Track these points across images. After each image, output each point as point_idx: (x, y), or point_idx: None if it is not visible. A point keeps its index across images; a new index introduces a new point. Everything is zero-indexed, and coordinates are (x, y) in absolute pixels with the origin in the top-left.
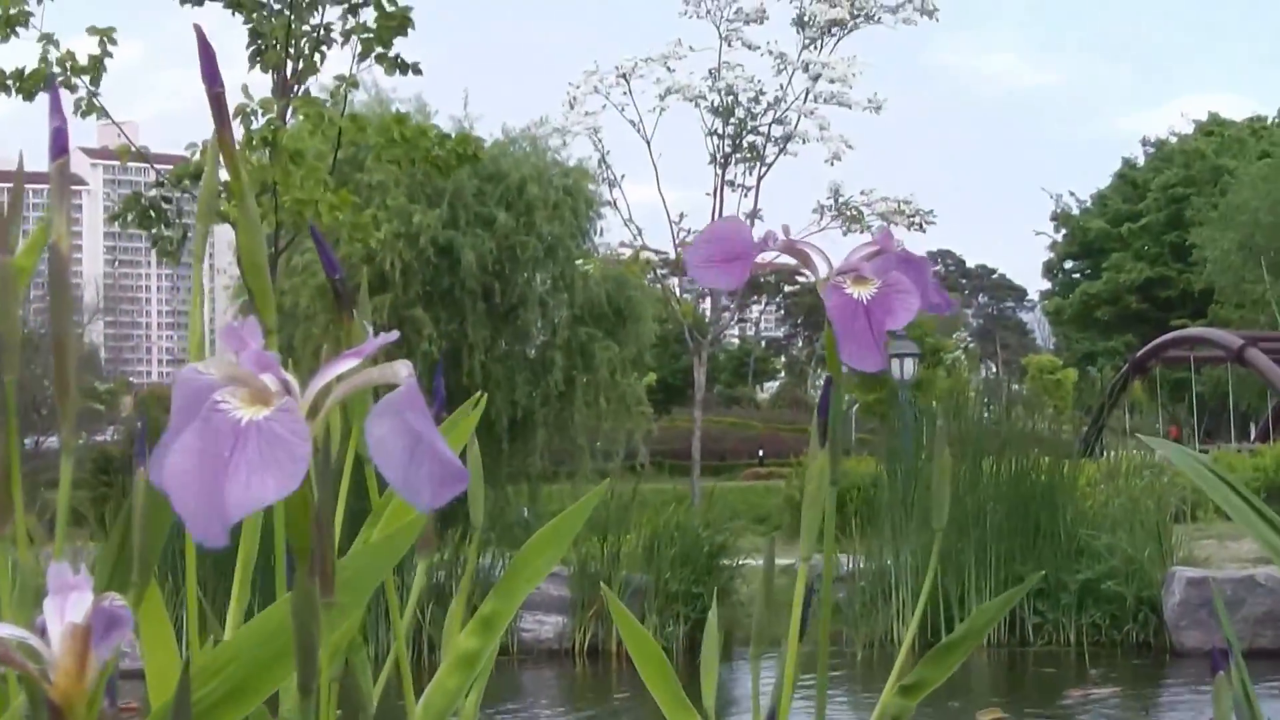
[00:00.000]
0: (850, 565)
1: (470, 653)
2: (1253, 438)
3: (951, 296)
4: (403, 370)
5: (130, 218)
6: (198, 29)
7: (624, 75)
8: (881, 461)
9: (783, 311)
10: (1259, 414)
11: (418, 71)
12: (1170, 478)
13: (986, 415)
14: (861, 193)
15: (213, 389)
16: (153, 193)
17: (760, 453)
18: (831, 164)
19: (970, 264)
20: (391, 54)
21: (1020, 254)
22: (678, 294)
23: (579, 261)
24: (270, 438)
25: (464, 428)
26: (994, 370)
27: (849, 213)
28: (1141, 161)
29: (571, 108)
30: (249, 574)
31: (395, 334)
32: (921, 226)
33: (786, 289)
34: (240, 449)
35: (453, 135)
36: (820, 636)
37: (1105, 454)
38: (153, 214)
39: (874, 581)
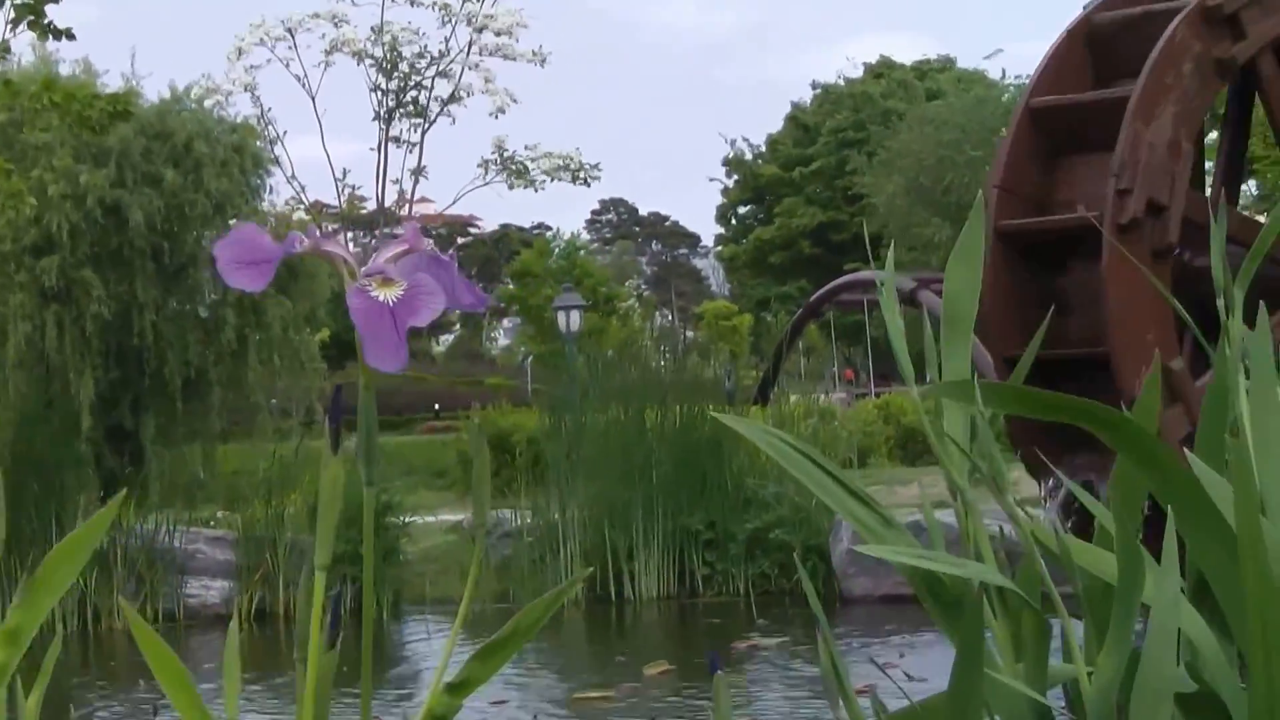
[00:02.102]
0: (517, 521)
1: None
2: (928, 380)
3: (624, 245)
4: None
5: None
6: None
7: (290, 30)
8: (548, 414)
9: (456, 265)
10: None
11: (71, 37)
12: (839, 423)
13: (663, 364)
14: (526, 147)
15: None
16: None
17: (437, 406)
18: (496, 117)
19: (644, 212)
20: (45, 21)
21: (694, 201)
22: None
23: (233, 223)
24: None
25: None
26: (669, 317)
27: (514, 167)
28: (811, 105)
29: (237, 60)
30: None
31: None
32: (586, 181)
33: (460, 241)
34: None
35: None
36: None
37: (780, 400)
38: None
39: (542, 537)
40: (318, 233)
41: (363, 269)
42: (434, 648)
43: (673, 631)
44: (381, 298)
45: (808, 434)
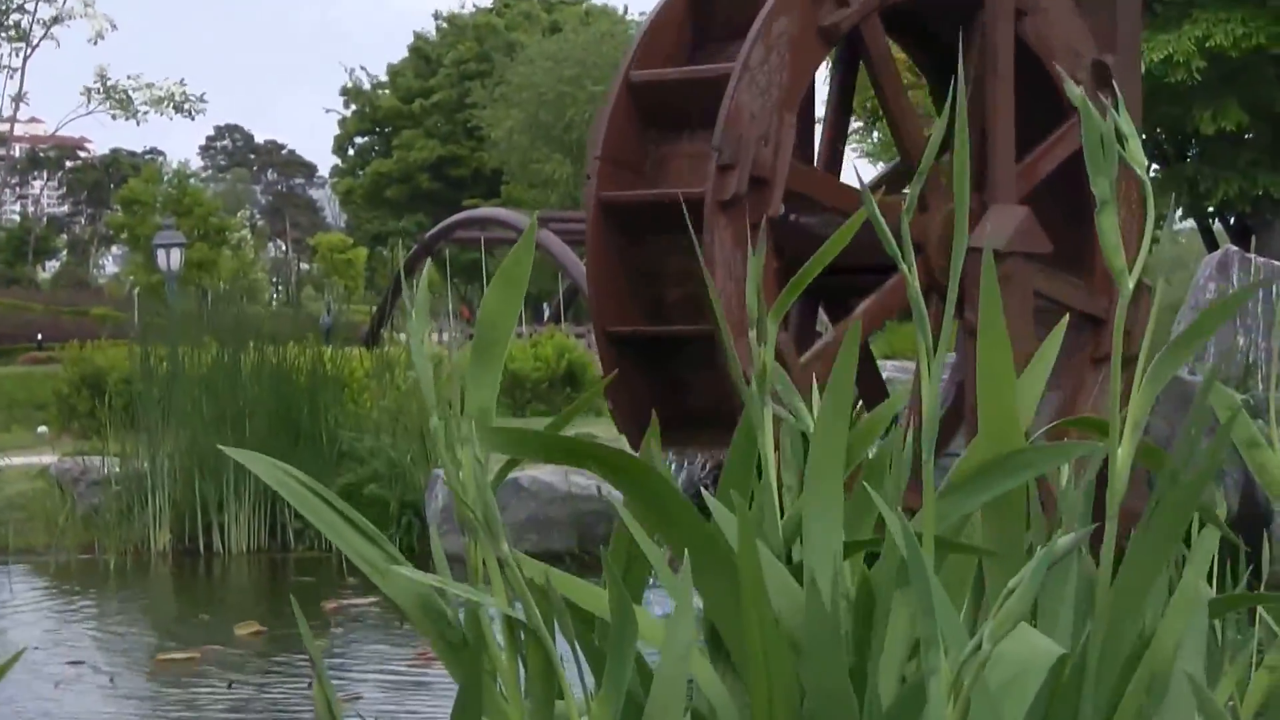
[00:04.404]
0: (105, 468)
1: None
2: (544, 320)
3: (238, 173)
4: None
5: None
6: None
7: None
8: (140, 353)
9: (65, 189)
10: (551, 296)
11: None
12: (443, 377)
13: (270, 300)
14: (129, 77)
15: None
16: None
17: (40, 336)
18: (95, 43)
19: (259, 139)
20: None
21: (312, 130)
22: None
23: None
24: None
25: None
26: (284, 249)
27: (117, 97)
28: (435, 36)
29: None
30: None
31: None
32: (190, 114)
33: (69, 164)
34: None
35: None
36: None
37: (390, 341)
38: None
39: (130, 486)
40: None
41: None
42: (14, 602)
43: (263, 589)
44: None
45: (409, 384)
